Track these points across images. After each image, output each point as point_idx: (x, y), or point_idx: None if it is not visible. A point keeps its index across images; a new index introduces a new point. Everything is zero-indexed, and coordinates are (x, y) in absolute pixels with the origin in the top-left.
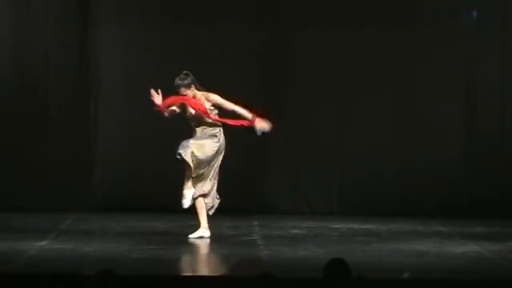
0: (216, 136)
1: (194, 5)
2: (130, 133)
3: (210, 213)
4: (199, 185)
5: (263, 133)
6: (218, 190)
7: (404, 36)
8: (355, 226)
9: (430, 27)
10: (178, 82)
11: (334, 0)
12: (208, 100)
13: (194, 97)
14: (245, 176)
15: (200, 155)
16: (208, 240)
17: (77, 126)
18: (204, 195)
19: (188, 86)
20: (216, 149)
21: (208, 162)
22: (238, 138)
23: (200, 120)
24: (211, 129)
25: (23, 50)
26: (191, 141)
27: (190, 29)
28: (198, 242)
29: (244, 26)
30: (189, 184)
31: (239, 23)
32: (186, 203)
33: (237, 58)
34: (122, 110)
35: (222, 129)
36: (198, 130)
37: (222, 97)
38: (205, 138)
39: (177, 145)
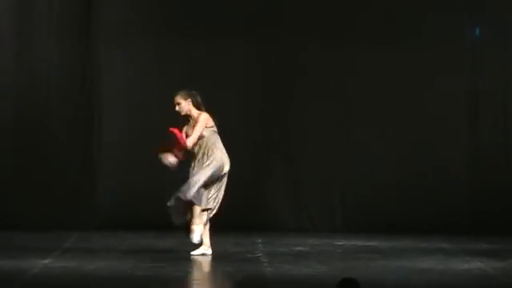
0: (210, 158)
1: (195, 20)
2: (133, 151)
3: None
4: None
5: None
6: (220, 207)
7: (406, 51)
8: (358, 242)
9: (432, 42)
10: (179, 91)
11: (337, 15)
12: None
13: (188, 113)
14: (248, 193)
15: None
16: (212, 257)
17: (80, 143)
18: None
19: (184, 97)
20: (215, 170)
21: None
22: (240, 156)
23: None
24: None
25: (26, 68)
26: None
27: (192, 44)
28: (202, 259)
29: (246, 39)
30: (197, 220)
31: (241, 37)
32: (196, 238)
33: (239, 71)
34: (125, 127)
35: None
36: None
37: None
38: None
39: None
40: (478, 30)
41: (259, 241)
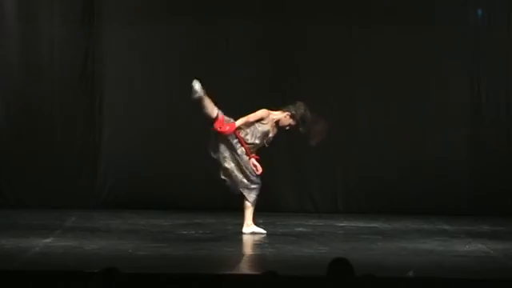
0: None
1: (198, 3)
2: (134, 131)
3: None
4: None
5: None
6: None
7: (410, 36)
8: (360, 224)
9: (435, 27)
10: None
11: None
12: None
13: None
14: None
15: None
16: (213, 238)
17: (81, 123)
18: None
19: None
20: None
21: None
22: None
23: None
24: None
25: (28, 51)
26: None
27: (195, 27)
28: (203, 239)
29: (249, 24)
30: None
31: (244, 22)
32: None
33: (242, 57)
34: (127, 107)
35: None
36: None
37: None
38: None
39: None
40: (480, 13)
41: (260, 221)
